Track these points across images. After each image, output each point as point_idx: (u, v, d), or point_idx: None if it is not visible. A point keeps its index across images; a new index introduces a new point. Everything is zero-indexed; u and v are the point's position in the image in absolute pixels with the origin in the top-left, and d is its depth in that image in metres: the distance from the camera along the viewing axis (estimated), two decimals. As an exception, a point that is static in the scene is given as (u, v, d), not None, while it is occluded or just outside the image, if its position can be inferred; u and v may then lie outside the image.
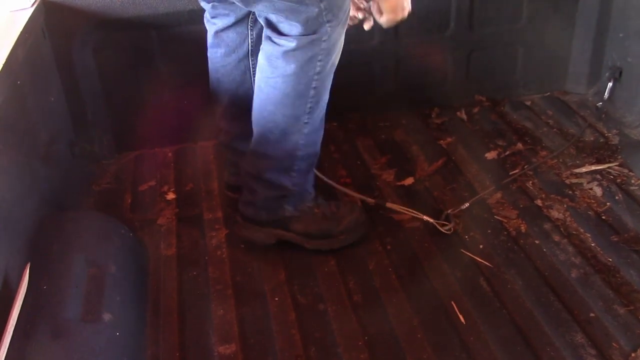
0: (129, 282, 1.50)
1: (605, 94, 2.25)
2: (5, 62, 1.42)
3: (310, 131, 1.58)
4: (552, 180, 1.94)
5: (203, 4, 1.65)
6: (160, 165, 2.11)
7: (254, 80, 1.63)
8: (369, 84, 2.28)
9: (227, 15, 1.63)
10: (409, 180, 1.98)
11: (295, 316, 1.53)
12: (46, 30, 1.85)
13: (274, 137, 1.56)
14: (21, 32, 1.58)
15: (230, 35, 1.66)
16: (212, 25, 1.68)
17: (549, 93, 2.40)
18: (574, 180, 1.93)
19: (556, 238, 1.71)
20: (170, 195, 1.97)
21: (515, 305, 1.51)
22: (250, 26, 1.65)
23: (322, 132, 1.64)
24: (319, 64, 1.49)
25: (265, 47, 1.51)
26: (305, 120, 1.55)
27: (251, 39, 1.66)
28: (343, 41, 1.55)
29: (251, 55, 1.67)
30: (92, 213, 1.75)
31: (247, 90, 1.71)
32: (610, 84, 2.24)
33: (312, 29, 1.44)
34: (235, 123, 1.77)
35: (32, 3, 1.76)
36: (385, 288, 1.59)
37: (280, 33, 1.46)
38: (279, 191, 1.64)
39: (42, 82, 1.79)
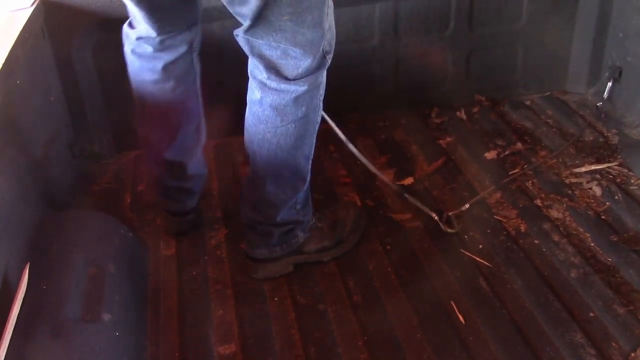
0: (128, 282, 1.50)
1: (605, 93, 2.25)
2: (5, 62, 1.42)
3: (310, 158, 1.54)
4: (552, 180, 1.94)
5: (144, 44, 1.51)
6: (158, 163, 2.11)
7: (201, 103, 1.63)
8: (369, 84, 2.28)
9: (178, 45, 1.53)
10: (409, 180, 1.98)
11: (295, 316, 1.53)
12: (46, 30, 1.85)
13: (284, 179, 1.51)
14: (21, 32, 1.58)
15: (181, 65, 1.56)
16: (158, 60, 1.53)
17: (548, 93, 2.40)
18: (574, 180, 1.93)
19: (556, 238, 1.71)
20: (170, 195, 1.97)
21: (515, 305, 1.51)
22: (193, 47, 1.57)
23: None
24: (320, 99, 1.46)
25: (266, 98, 1.40)
26: (311, 156, 1.53)
27: (195, 61, 1.59)
28: None
29: (194, 80, 1.61)
30: (92, 213, 1.75)
31: (197, 116, 1.67)
32: (610, 84, 2.24)
33: (320, 64, 1.40)
34: (180, 152, 1.68)
35: (31, 3, 1.76)
36: (385, 288, 1.59)
37: (286, 78, 1.37)
38: (291, 225, 1.61)
39: (41, 82, 1.79)
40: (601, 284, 1.55)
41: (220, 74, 1.91)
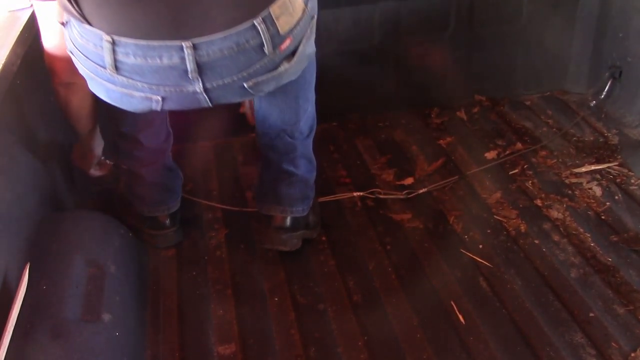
0: (128, 282, 1.50)
1: (605, 93, 2.25)
2: (5, 62, 1.42)
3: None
4: (552, 180, 1.94)
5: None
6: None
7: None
8: (369, 84, 2.28)
9: None
10: (409, 180, 1.98)
11: (295, 316, 1.53)
12: (46, 30, 1.84)
13: (309, 135, 1.64)
14: (21, 32, 1.58)
15: None
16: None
17: (548, 93, 2.40)
18: (574, 180, 1.93)
19: (556, 238, 1.71)
20: (170, 195, 1.97)
21: (515, 305, 1.51)
22: None
23: None
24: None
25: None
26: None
27: None
28: None
29: None
30: (92, 213, 1.74)
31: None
32: (610, 84, 2.24)
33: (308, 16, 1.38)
34: (159, 138, 1.68)
35: (31, 3, 1.75)
36: (385, 288, 1.59)
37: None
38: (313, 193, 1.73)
39: (41, 82, 1.79)
40: (601, 284, 1.55)
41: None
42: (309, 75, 1.49)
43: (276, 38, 1.19)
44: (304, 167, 1.67)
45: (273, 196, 1.67)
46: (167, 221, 1.74)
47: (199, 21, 1.14)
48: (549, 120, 2.26)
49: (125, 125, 1.63)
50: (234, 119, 2.12)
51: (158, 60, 1.16)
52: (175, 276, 1.67)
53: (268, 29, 1.17)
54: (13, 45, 1.50)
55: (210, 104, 1.25)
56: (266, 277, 1.65)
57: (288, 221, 1.68)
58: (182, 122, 2.13)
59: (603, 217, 1.78)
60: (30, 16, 1.69)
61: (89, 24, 1.16)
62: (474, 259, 1.66)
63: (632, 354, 1.37)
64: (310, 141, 1.66)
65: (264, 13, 1.15)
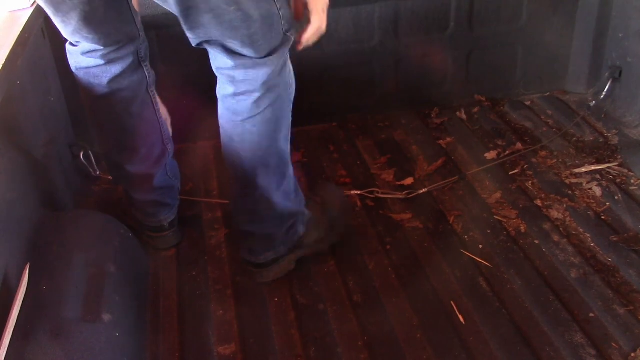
0: (128, 282, 1.50)
1: (605, 93, 2.25)
2: (5, 62, 1.42)
3: (289, 138, 1.52)
4: (552, 180, 1.94)
5: (89, 58, 1.46)
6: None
7: (159, 111, 1.60)
8: (369, 84, 2.28)
9: (123, 58, 1.48)
10: (409, 180, 1.98)
11: (295, 316, 1.53)
12: (46, 30, 1.85)
13: (273, 168, 1.48)
14: (21, 32, 1.58)
15: (129, 76, 1.51)
16: (105, 74, 1.48)
17: (548, 93, 2.41)
18: (574, 180, 1.93)
19: (556, 238, 1.71)
20: (170, 195, 1.97)
21: (515, 305, 1.51)
22: (141, 57, 1.52)
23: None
24: (289, 75, 1.44)
25: (238, 89, 1.40)
26: (289, 149, 1.50)
27: (147, 70, 1.54)
28: None
29: (148, 90, 1.57)
30: (92, 213, 1.74)
31: (157, 125, 1.62)
32: (610, 84, 2.24)
33: (282, 42, 1.37)
34: (146, 164, 1.63)
35: (31, 3, 1.75)
36: (385, 288, 1.59)
37: (251, 65, 1.36)
38: (293, 218, 1.58)
39: (41, 82, 1.79)
40: (601, 284, 1.55)
41: (210, 76, 1.91)
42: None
43: None
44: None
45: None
46: (166, 225, 1.74)
47: None
48: (549, 120, 2.26)
49: (111, 151, 1.63)
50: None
51: None
52: (175, 276, 1.67)
53: None
54: (13, 45, 1.50)
55: None
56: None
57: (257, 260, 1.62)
58: (182, 122, 2.14)
59: (603, 217, 1.78)
60: (30, 16, 1.69)
61: None
62: (474, 259, 1.66)
63: (632, 354, 1.37)
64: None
65: None
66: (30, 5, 1.75)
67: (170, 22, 1.97)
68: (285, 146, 1.50)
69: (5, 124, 1.44)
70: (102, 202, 1.95)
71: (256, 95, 1.39)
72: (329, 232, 1.67)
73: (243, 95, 1.39)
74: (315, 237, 1.65)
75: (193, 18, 1.29)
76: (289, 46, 1.40)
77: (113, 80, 1.49)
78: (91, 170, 1.98)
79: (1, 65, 1.39)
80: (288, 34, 1.37)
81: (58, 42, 1.91)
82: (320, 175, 2.04)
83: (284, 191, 1.53)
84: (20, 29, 1.59)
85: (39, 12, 1.79)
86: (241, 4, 1.26)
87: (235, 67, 1.37)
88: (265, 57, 1.35)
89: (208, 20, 1.28)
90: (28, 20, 1.66)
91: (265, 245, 1.59)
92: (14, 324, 1.15)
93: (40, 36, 1.80)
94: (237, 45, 1.33)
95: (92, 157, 1.99)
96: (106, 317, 1.29)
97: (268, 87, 1.38)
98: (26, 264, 1.31)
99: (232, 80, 1.39)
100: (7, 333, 1.12)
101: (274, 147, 1.47)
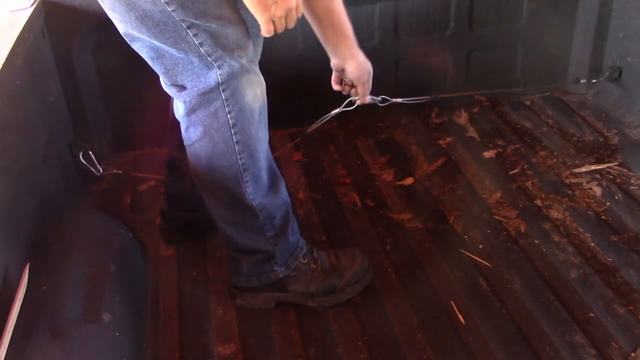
0: (128, 282, 1.50)
1: (605, 93, 2.25)
2: (5, 62, 1.42)
3: (258, 188, 1.38)
4: (552, 180, 1.94)
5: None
6: (160, 165, 2.11)
7: None
8: (369, 84, 2.27)
9: None
10: (409, 180, 1.98)
11: (295, 316, 1.53)
12: (46, 30, 1.85)
13: (224, 202, 1.39)
14: (21, 32, 1.58)
15: None
16: None
17: (549, 93, 2.40)
18: (574, 180, 1.93)
19: (556, 238, 1.71)
20: (170, 195, 1.97)
21: (515, 305, 1.51)
22: None
23: (279, 185, 1.44)
24: (230, 115, 1.28)
25: (176, 109, 1.35)
26: (246, 179, 1.35)
27: None
28: (260, 77, 1.32)
29: None
30: (92, 213, 1.75)
31: None
32: (610, 84, 2.24)
33: (196, 79, 1.25)
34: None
35: (31, 3, 1.76)
36: (385, 288, 1.59)
37: (178, 95, 1.29)
38: (261, 255, 1.47)
39: (41, 82, 1.79)
40: (601, 284, 1.55)
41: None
42: None
43: None
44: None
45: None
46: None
47: None
48: (549, 120, 2.26)
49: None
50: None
51: None
52: (175, 276, 1.67)
53: None
54: (13, 45, 1.50)
55: None
56: (266, 277, 1.65)
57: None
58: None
59: (603, 217, 1.77)
60: (30, 16, 1.69)
61: None
62: (474, 259, 1.66)
63: (632, 354, 1.37)
64: None
65: None
66: (30, 5, 1.75)
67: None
68: (238, 186, 1.35)
69: (5, 124, 1.44)
70: (102, 202, 1.95)
71: (183, 125, 1.33)
72: (322, 293, 1.53)
73: (180, 116, 1.34)
74: (303, 290, 1.52)
75: None
76: (214, 77, 1.25)
77: None
78: (93, 169, 1.99)
79: (1, 65, 1.40)
80: (215, 62, 1.23)
81: (58, 42, 1.92)
82: (320, 175, 2.04)
83: (250, 228, 1.42)
84: (20, 29, 1.60)
85: (39, 12, 1.79)
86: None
87: (165, 84, 1.32)
88: (177, 85, 1.28)
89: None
90: (28, 20, 1.66)
91: (233, 268, 1.52)
92: (14, 324, 1.15)
93: (40, 36, 1.80)
94: (152, 59, 1.27)
95: (93, 157, 1.99)
96: (106, 317, 1.29)
97: (191, 119, 1.30)
98: (26, 264, 1.31)
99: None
100: (7, 333, 1.12)
101: (220, 181, 1.36)
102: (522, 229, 1.75)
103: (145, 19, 1.19)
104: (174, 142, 1.53)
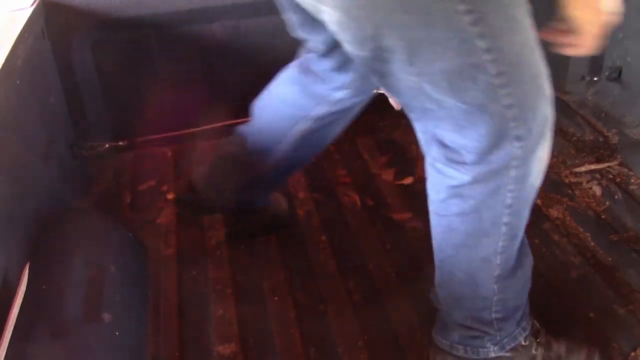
0: (129, 282, 1.50)
1: (605, 93, 2.25)
2: (5, 62, 1.42)
3: (504, 271, 1.19)
4: (552, 179, 1.94)
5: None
6: (160, 165, 2.11)
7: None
8: (369, 84, 2.27)
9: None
10: (409, 180, 1.98)
11: (295, 316, 1.53)
12: (46, 30, 1.85)
13: (460, 280, 1.22)
14: (21, 32, 1.58)
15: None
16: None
17: (548, 93, 2.40)
18: (574, 180, 1.93)
19: (555, 237, 1.71)
20: (170, 195, 1.97)
21: (515, 305, 1.51)
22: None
23: (524, 262, 1.25)
24: (509, 195, 1.08)
25: (429, 173, 1.14)
26: (498, 262, 1.17)
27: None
28: (549, 145, 1.09)
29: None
30: (92, 213, 1.75)
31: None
32: (610, 84, 2.24)
33: (490, 153, 1.02)
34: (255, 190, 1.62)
35: (31, 3, 1.75)
36: (385, 288, 1.59)
37: (450, 159, 1.07)
38: (476, 331, 1.27)
39: (41, 82, 1.79)
40: (601, 284, 1.55)
41: (220, 73, 1.91)
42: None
43: None
44: None
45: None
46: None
47: None
48: (549, 120, 2.26)
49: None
50: (234, 118, 2.12)
51: None
52: (175, 276, 1.67)
53: None
54: (13, 45, 1.50)
55: None
56: (266, 276, 1.65)
57: None
58: (181, 122, 2.14)
59: (603, 217, 1.77)
60: (30, 16, 1.69)
61: None
62: (474, 258, 1.66)
63: (632, 354, 1.37)
64: None
65: None
66: (30, 5, 1.75)
67: (169, 22, 1.98)
68: (483, 273, 1.18)
69: (5, 124, 1.44)
70: (102, 202, 1.95)
71: (444, 192, 1.12)
72: None
73: (445, 173, 1.11)
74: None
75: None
76: (508, 150, 1.02)
77: None
78: (93, 169, 1.99)
79: (1, 65, 1.40)
80: (516, 130, 0.99)
81: (58, 42, 1.92)
82: (320, 175, 2.04)
83: (470, 304, 1.25)
84: (20, 29, 1.60)
85: (39, 12, 1.79)
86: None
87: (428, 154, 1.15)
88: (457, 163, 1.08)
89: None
90: (28, 20, 1.66)
91: (442, 327, 1.34)
92: (14, 324, 1.15)
93: (40, 36, 1.80)
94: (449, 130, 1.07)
95: (93, 157, 1.99)
96: (106, 317, 1.29)
97: (458, 192, 1.09)
98: (26, 264, 1.31)
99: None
100: (7, 333, 1.12)
101: (469, 262, 1.18)
102: (522, 228, 1.75)
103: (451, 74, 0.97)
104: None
